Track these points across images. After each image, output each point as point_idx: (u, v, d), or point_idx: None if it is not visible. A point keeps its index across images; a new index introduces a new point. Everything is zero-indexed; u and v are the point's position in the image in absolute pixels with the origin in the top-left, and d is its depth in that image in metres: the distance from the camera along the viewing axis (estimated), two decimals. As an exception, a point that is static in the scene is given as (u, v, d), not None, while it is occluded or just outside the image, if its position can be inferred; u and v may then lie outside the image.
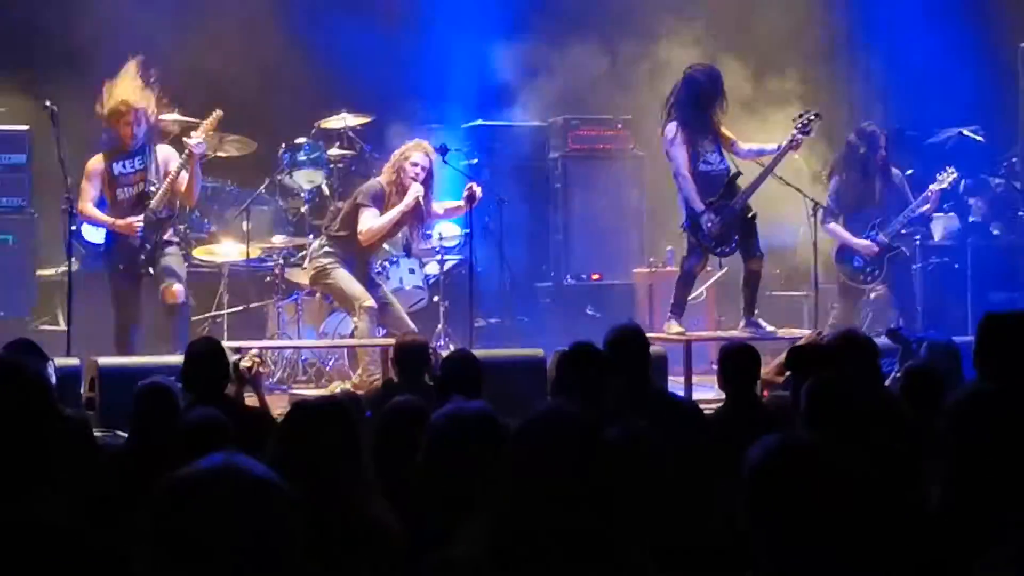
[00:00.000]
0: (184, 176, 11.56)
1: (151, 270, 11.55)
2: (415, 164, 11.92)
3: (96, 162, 11.62)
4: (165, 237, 11.63)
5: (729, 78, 13.33)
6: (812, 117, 11.94)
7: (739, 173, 11.91)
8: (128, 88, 11.61)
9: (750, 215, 11.87)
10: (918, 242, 14.38)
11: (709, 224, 11.70)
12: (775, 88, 14.71)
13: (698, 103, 11.80)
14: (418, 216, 12.05)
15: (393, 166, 12.03)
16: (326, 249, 11.97)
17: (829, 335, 9.45)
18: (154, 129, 11.95)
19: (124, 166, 11.62)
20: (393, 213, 11.83)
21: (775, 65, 15.06)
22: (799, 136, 11.82)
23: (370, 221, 11.82)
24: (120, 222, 11.48)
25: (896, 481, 5.16)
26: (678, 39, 14.67)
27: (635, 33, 15.38)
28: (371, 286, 12.03)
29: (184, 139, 11.83)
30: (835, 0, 16.40)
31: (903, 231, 13.25)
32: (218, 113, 12.10)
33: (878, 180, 13.09)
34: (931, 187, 13.03)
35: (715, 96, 11.89)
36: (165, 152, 11.79)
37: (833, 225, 12.90)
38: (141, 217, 11.46)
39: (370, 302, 11.70)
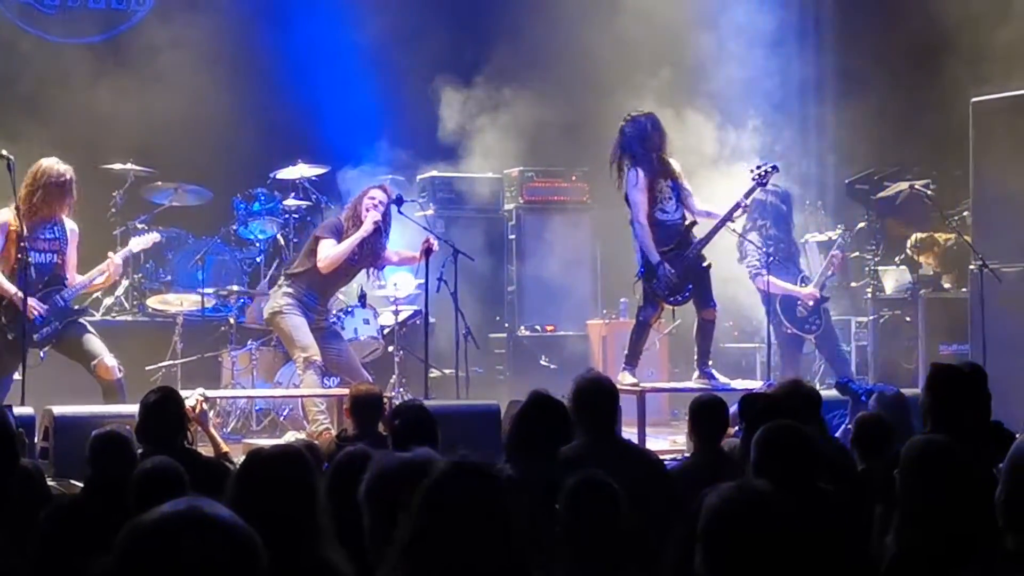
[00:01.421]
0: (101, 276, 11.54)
1: (41, 353, 11.32)
2: (373, 199, 11.95)
3: (6, 215, 11.06)
4: (80, 318, 11.48)
5: (691, 132, 13.49)
6: (769, 169, 12.05)
7: (694, 222, 11.97)
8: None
9: (704, 264, 11.92)
10: (869, 295, 14.49)
11: (667, 275, 11.73)
12: (734, 141, 14.83)
13: (647, 147, 11.82)
14: (374, 254, 12.04)
15: (352, 204, 12.08)
16: (284, 289, 11.95)
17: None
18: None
19: (39, 231, 11.17)
20: (351, 240, 11.82)
21: (733, 118, 15.17)
22: (756, 187, 11.93)
23: (328, 249, 11.84)
24: (29, 301, 10.99)
25: (845, 530, 5.21)
26: (636, 91, 14.79)
27: (592, 85, 15.48)
28: (328, 329, 12.03)
29: (111, 254, 11.71)
30: (788, 51, 16.53)
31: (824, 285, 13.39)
32: (155, 236, 12.40)
33: (790, 237, 13.29)
34: (833, 252, 13.27)
35: (660, 139, 11.93)
36: (71, 225, 11.40)
37: (770, 279, 12.86)
38: (46, 308, 11.15)
39: (316, 355, 11.67)
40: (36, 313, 11.10)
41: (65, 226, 11.35)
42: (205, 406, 8.91)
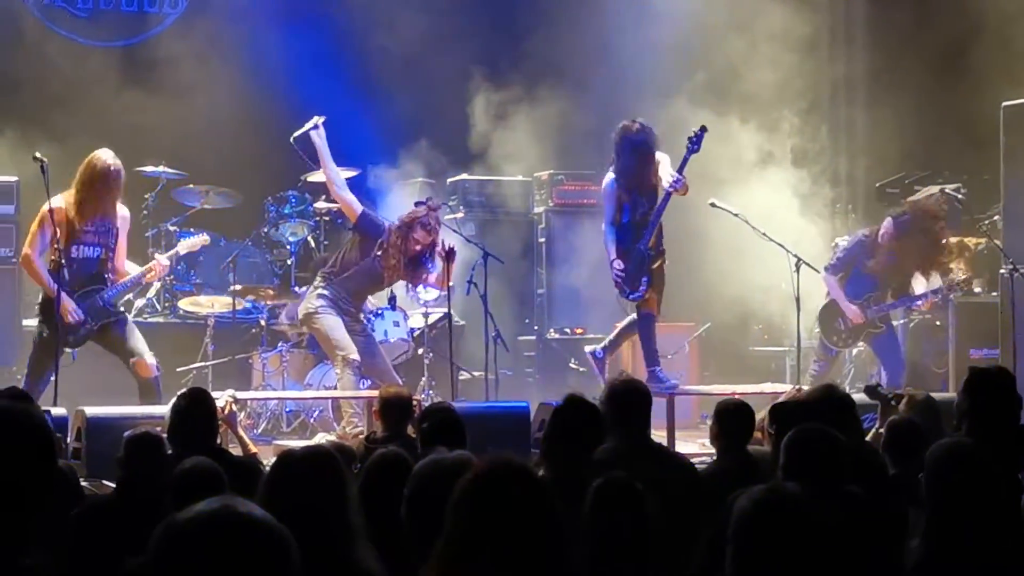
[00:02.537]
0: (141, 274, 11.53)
1: (73, 352, 11.33)
2: (417, 242, 11.89)
3: (57, 205, 10.97)
4: (120, 318, 11.48)
5: (725, 134, 13.50)
6: (698, 131, 11.69)
7: (649, 214, 11.81)
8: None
9: (652, 253, 11.80)
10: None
11: (616, 274, 11.71)
12: (767, 145, 14.83)
13: (634, 157, 11.77)
14: (416, 275, 12.03)
15: (403, 230, 11.87)
16: (320, 291, 11.93)
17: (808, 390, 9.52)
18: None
19: (87, 223, 11.11)
20: (326, 156, 11.86)
21: (766, 121, 15.16)
22: (691, 154, 11.65)
23: (350, 197, 11.95)
24: (65, 301, 10.94)
25: (875, 534, 5.21)
26: (668, 94, 14.81)
27: (624, 88, 15.47)
28: (361, 332, 12.03)
29: (157, 255, 11.79)
30: (820, 54, 16.51)
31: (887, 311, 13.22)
32: (204, 238, 12.30)
33: (889, 262, 13.01)
34: (940, 283, 13.04)
35: (649, 151, 11.78)
36: (123, 212, 11.33)
37: (831, 278, 12.85)
38: (80, 310, 11.06)
39: (354, 355, 11.68)
40: (72, 316, 11.07)
41: (115, 218, 11.25)
42: (235, 408, 8.95)
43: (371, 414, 10.18)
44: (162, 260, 11.62)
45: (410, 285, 12.36)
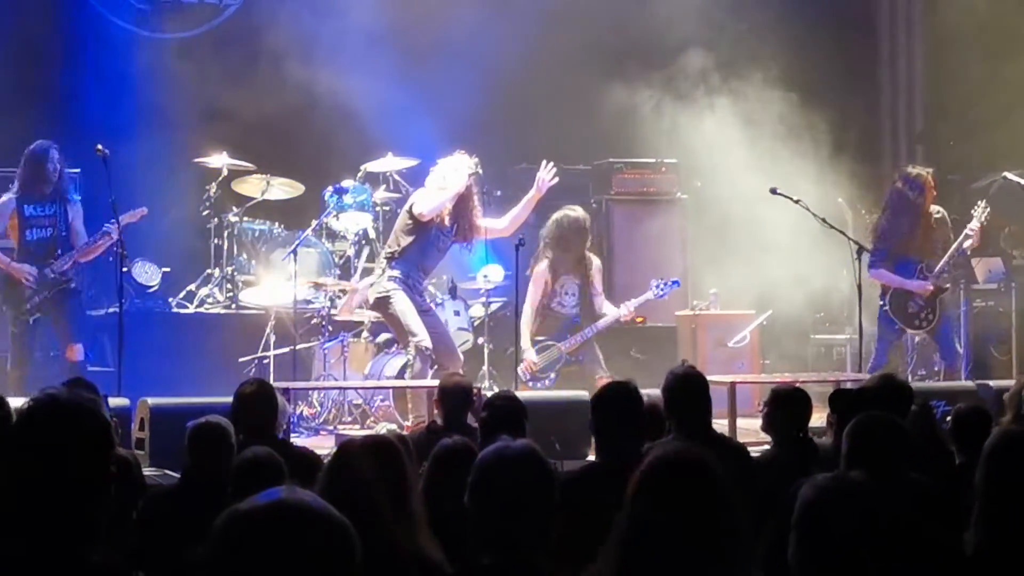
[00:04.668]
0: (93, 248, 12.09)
1: (30, 320, 12.08)
2: (458, 170, 12.17)
3: (4, 199, 12.08)
4: (70, 287, 12.12)
5: (786, 119, 13.42)
6: (670, 284, 13.31)
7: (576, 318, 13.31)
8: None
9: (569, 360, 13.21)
10: (962, 285, 14.33)
11: (533, 361, 13.02)
12: (835, 131, 14.75)
13: (560, 245, 13.19)
14: (470, 225, 12.13)
15: (439, 185, 12.12)
16: (389, 272, 11.94)
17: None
18: (62, 185, 12.24)
19: (36, 209, 12.05)
20: (448, 191, 11.97)
21: (829, 108, 15.07)
22: (657, 296, 13.38)
23: (427, 197, 11.95)
24: (15, 266, 11.95)
25: (938, 522, 5.17)
26: (728, 79, 14.76)
27: (684, 75, 15.42)
28: (429, 311, 12.16)
29: (107, 225, 12.04)
30: (876, 39, 16.41)
31: (946, 272, 12.96)
32: (143, 210, 12.57)
33: (922, 225, 12.84)
34: (971, 225, 12.77)
35: (575, 240, 13.24)
36: (75, 209, 12.17)
37: (883, 271, 12.64)
38: (35, 270, 11.94)
39: (427, 342, 11.70)
40: (28, 278, 11.91)
41: (66, 203, 12.15)
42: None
43: (431, 403, 10.20)
44: (108, 228, 12.05)
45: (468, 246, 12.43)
